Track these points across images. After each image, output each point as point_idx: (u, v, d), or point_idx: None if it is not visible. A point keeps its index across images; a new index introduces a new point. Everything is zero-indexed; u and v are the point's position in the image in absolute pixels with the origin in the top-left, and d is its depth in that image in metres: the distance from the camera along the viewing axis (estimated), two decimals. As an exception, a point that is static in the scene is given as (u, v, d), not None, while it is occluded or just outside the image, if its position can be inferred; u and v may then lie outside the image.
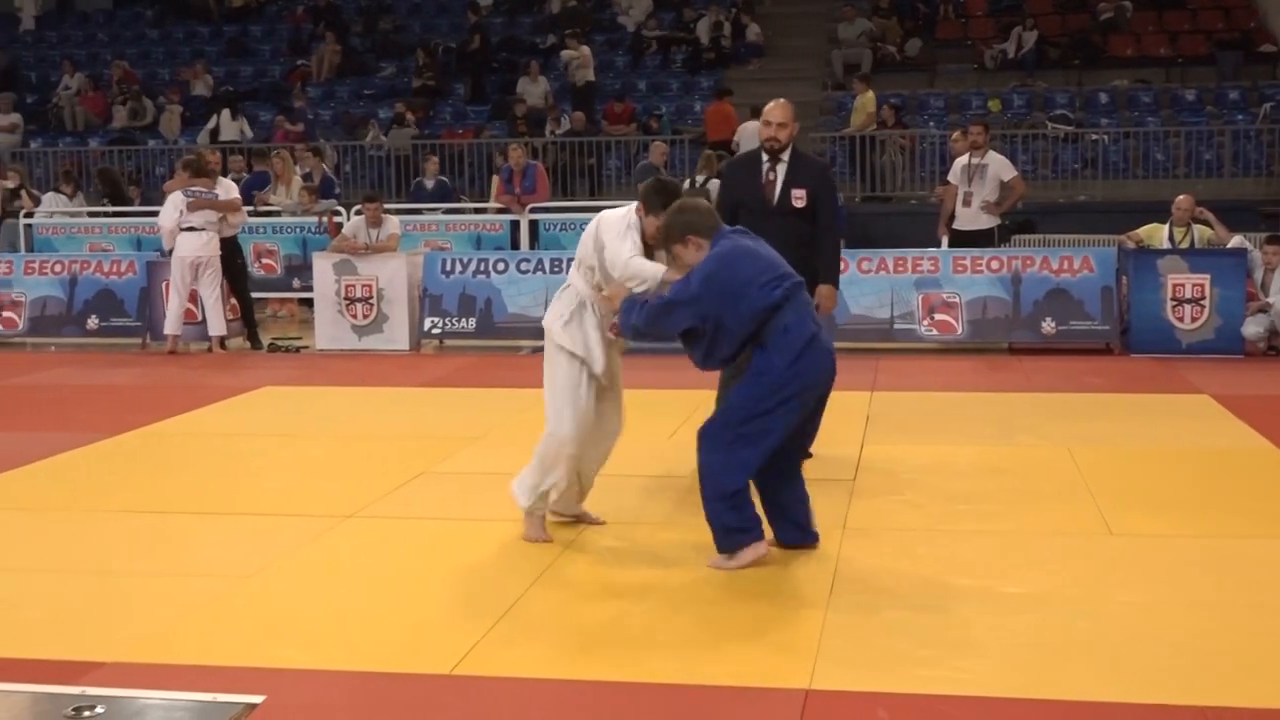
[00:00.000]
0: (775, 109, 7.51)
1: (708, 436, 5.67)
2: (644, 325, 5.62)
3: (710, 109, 20.87)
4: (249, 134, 21.51)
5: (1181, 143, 20.29)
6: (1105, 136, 20.71)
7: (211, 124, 21.64)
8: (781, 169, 7.40)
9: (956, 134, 14.98)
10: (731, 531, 5.61)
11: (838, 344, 7.03)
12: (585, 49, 22.33)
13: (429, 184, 17.47)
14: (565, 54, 22.41)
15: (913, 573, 5.66)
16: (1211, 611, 5.08)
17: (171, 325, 12.73)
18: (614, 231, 5.83)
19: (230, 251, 12.90)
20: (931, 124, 20.69)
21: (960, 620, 5.02)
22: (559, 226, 15.77)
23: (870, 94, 19.79)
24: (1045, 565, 5.69)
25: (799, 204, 7.36)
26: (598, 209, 16.18)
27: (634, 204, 5.94)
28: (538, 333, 12.61)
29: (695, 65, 23.65)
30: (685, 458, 7.77)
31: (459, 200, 18.22)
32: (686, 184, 16.24)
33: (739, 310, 5.50)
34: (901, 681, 4.39)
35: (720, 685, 4.41)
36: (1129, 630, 4.88)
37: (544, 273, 12.83)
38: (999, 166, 13.25)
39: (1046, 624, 4.95)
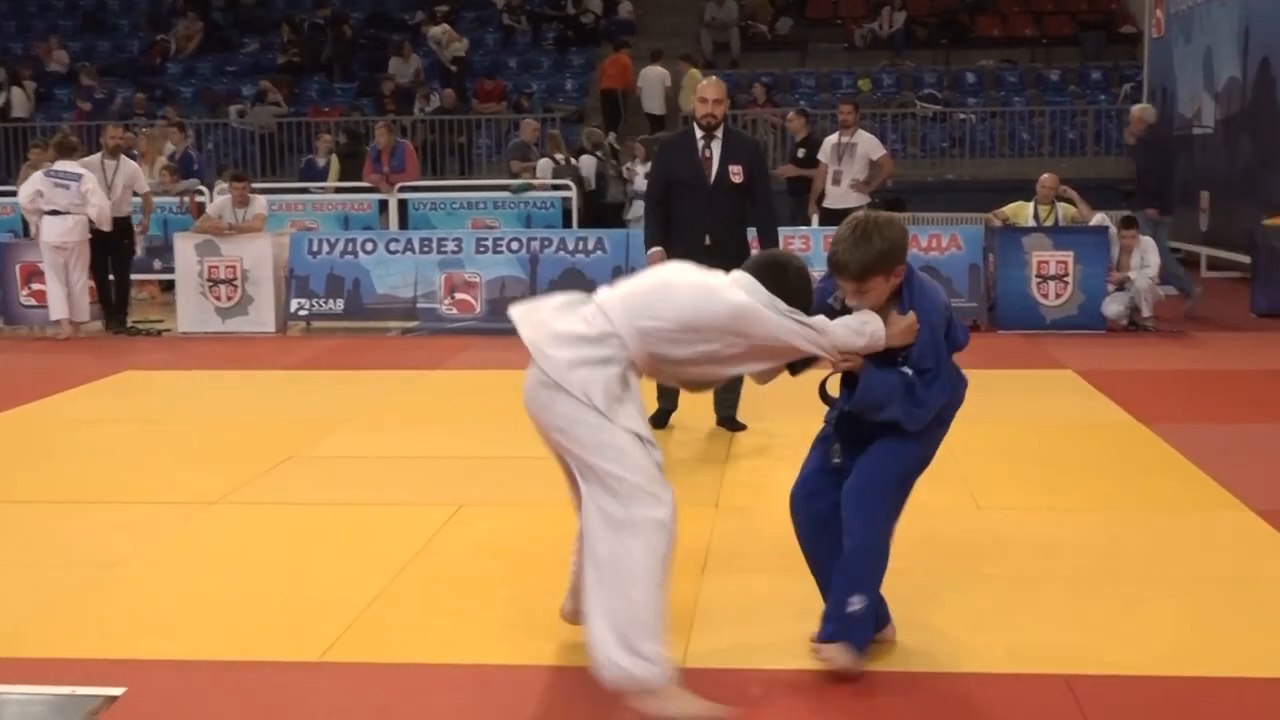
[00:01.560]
0: (711, 86, 7.59)
1: (874, 496, 4.35)
2: (912, 422, 4.28)
3: (609, 60, 20.80)
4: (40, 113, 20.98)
5: (1046, 122, 20.70)
6: (973, 116, 21.05)
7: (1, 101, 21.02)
8: (717, 146, 7.48)
9: (791, 114, 15.13)
10: (868, 625, 4.33)
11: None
12: (443, 27, 22.06)
13: (320, 162, 17.10)
14: (433, 31, 22.16)
15: (788, 549, 5.65)
16: (1076, 583, 5.16)
17: (57, 310, 12.25)
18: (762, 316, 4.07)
19: (120, 231, 12.54)
20: (802, 103, 20.82)
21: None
22: (429, 206, 15.59)
23: (695, 72, 19.26)
24: (913, 539, 5.71)
25: (737, 179, 7.45)
26: (468, 188, 16.01)
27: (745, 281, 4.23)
28: (407, 314, 12.67)
29: (567, 43, 23.55)
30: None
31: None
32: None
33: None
34: (776, 658, 4.39)
35: (587, 666, 4.36)
36: (996, 602, 4.94)
37: (413, 253, 12.67)
38: (868, 145, 13.39)
39: (917, 597, 4.98)
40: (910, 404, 4.21)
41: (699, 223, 7.40)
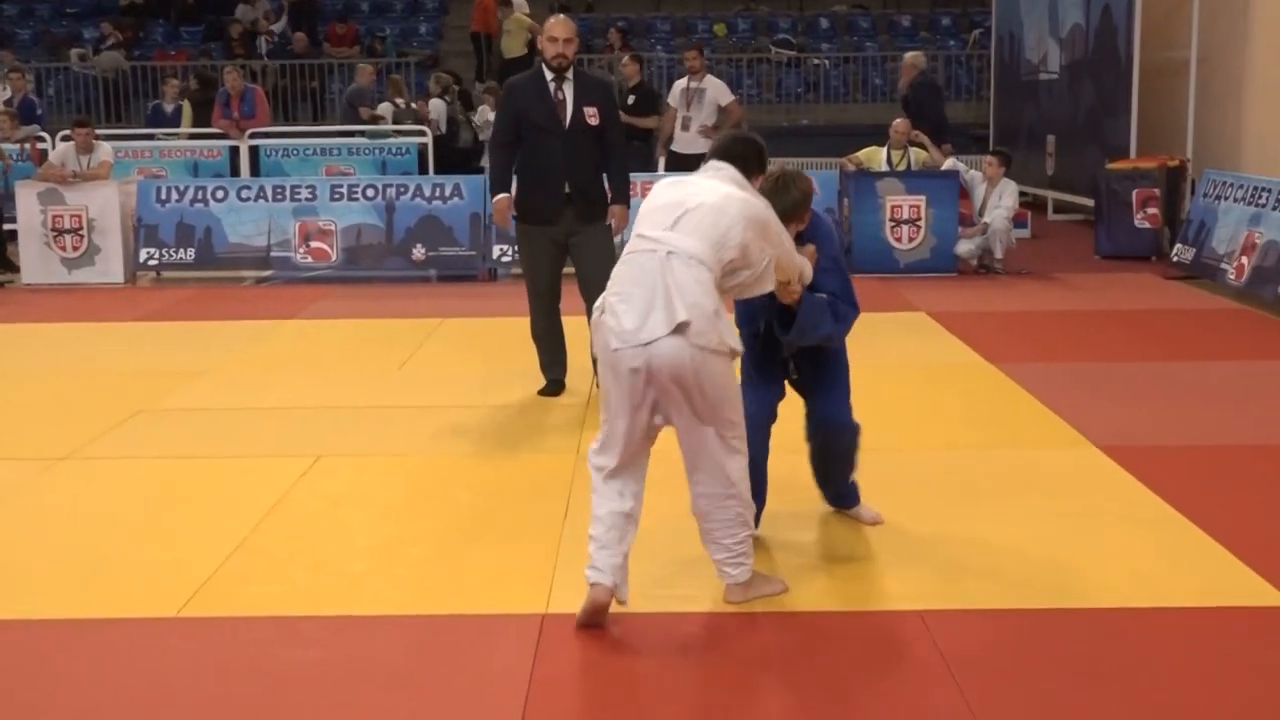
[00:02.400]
0: (560, 25, 7.24)
1: (841, 391, 5.18)
2: (840, 335, 5.06)
3: (476, 2, 20.44)
4: None
5: (898, 67, 20.92)
6: (826, 61, 21.22)
7: None
8: (569, 88, 7.18)
9: (626, 59, 15.09)
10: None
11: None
12: None
13: (169, 108, 16.61)
14: None
15: (648, 496, 5.69)
16: (931, 521, 5.27)
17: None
18: (772, 224, 4.42)
19: None
20: (659, 48, 20.82)
21: (693, 539, 5.07)
22: (280, 153, 15.27)
23: (517, 15, 18.88)
24: (777, 484, 5.79)
25: (593, 122, 7.17)
26: (321, 134, 15.67)
27: (731, 174, 4.49)
28: (261, 263, 12.45)
29: (420, -14, 23.22)
30: (416, 389, 7.70)
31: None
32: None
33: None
34: (635, 601, 4.41)
35: (458, 614, 4.37)
36: (859, 542, 5.04)
37: (266, 200, 12.41)
38: (716, 91, 13.42)
39: (781, 539, 5.06)
40: (836, 322, 4.90)
41: (556, 168, 7.11)
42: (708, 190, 4.36)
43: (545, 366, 7.44)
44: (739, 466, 4.37)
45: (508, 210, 7.30)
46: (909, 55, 14.67)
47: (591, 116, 7.17)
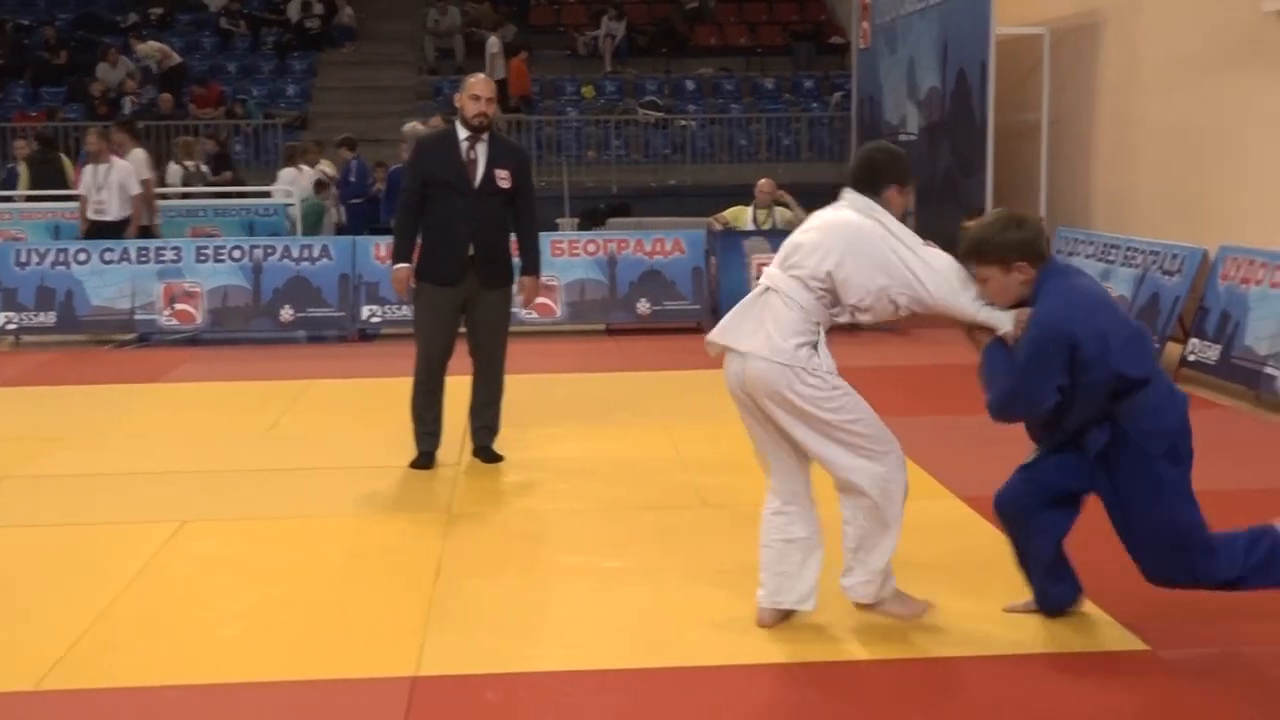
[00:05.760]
0: (483, 84, 7.04)
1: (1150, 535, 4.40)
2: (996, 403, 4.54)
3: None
4: None
5: (763, 128, 21.35)
6: (693, 122, 21.53)
7: None
8: (483, 148, 6.95)
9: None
10: None
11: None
12: (153, 44, 21.34)
13: (21, 170, 16.23)
14: (141, 48, 21.39)
15: (518, 552, 5.73)
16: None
17: None
18: (886, 254, 4.52)
19: None
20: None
21: (565, 597, 5.12)
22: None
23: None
24: (645, 539, 5.86)
25: (504, 184, 6.96)
26: (183, 195, 15.38)
27: (852, 199, 4.64)
28: (125, 326, 12.25)
29: (286, 47, 23.09)
30: (285, 452, 7.64)
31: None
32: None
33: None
34: (509, 661, 4.43)
35: (329, 679, 4.34)
36: (727, 596, 5.07)
37: (130, 262, 12.24)
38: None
39: (648, 595, 5.10)
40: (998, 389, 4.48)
41: (461, 229, 6.90)
42: (819, 224, 4.63)
43: (420, 438, 7.19)
44: (867, 471, 4.57)
45: (407, 282, 7.04)
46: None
47: (503, 179, 6.97)
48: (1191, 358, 9.69)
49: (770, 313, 4.60)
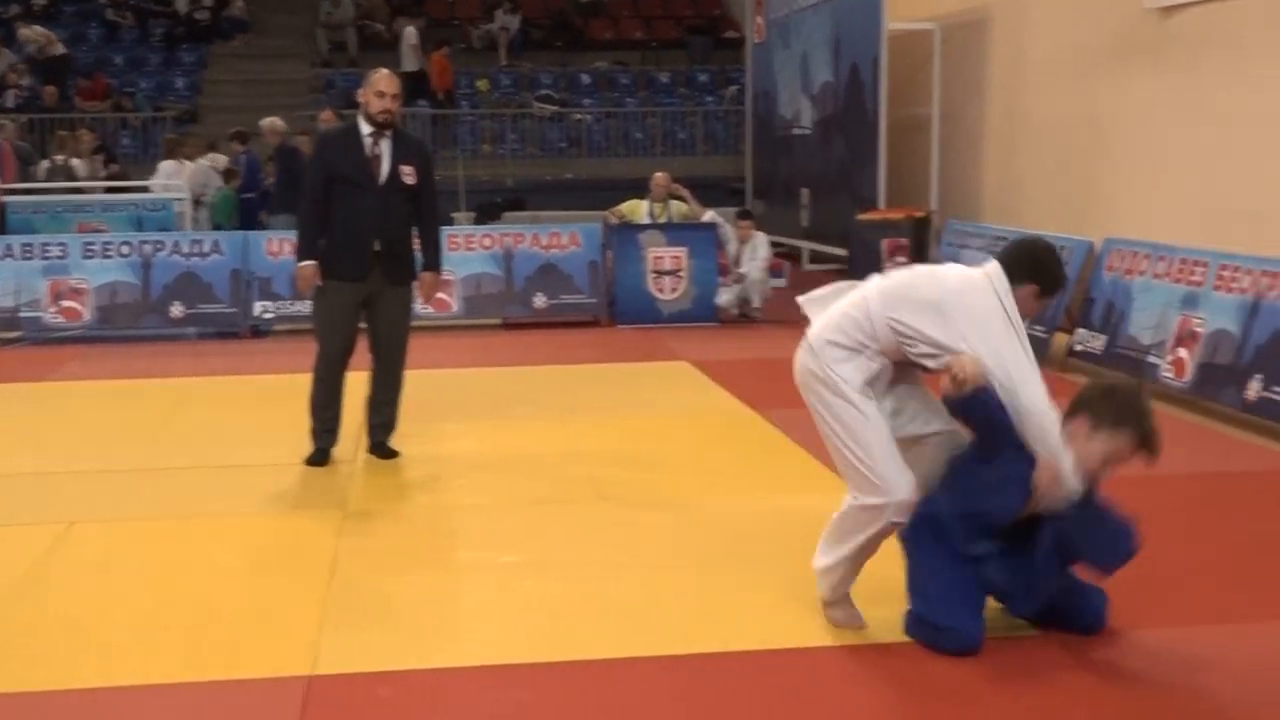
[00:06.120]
0: (387, 79, 6.96)
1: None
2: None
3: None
4: None
5: (658, 122, 21.42)
6: (589, 116, 21.54)
7: None
8: (386, 144, 6.90)
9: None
10: None
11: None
12: (36, 28, 20.89)
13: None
14: (25, 32, 20.92)
15: (415, 548, 5.71)
16: (700, 567, 5.38)
17: None
18: (1022, 358, 4.34)
19: None
20: (423, 102, 20.80)
21: (462, 592, 5.12)
22: (31, 210, 14.71)
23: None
24: (541, 533, 5.87)
25: (409, 181, 6.92)
26: (73, 190, 15.04)
27: (1000, 278, 4.46)
28: (8, 324, 11.96)
29: (175, 39, 22.72)
30: (176, 451, 7.53)
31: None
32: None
33: None
34: (405, 658, 4.41)
35: (218, 680, 4.29)
36: (625, 589, 5.10)
37: (14, 259, 11.94)
38: None
39: (546, 589, 5.11)
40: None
41: (366, 225, 6.85)
42: (952, 284, 4.46)
43: (317, 434, 7.13)
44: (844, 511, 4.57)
45: (313, 279, 6.94)
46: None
47: (408, 175, 6.93)
48: (1078, 348, 9.89)
49: (840, 304, 4.59)
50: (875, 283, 4.57)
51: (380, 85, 6.90)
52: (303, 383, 7.12)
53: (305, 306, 11.54)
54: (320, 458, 7.10)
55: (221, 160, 16.18)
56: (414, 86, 20.04)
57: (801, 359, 4.61)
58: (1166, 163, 10.26)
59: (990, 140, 13.63)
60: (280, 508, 6.39)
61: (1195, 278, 8.80)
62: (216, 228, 14.58)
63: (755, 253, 12.47)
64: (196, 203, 15.22)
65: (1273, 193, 8.96)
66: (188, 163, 15.64)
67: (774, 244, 13.74)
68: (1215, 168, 9.62)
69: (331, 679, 4.26)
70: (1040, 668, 4.31)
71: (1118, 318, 9.54)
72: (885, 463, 4.41)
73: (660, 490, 6.58)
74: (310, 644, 4.55)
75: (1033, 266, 4.50)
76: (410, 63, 20.76)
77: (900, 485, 4.40)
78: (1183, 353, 8.68)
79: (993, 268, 4.48)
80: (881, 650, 4.47)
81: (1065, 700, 4.06)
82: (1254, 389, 7.90)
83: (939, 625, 4.39)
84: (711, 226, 12.64)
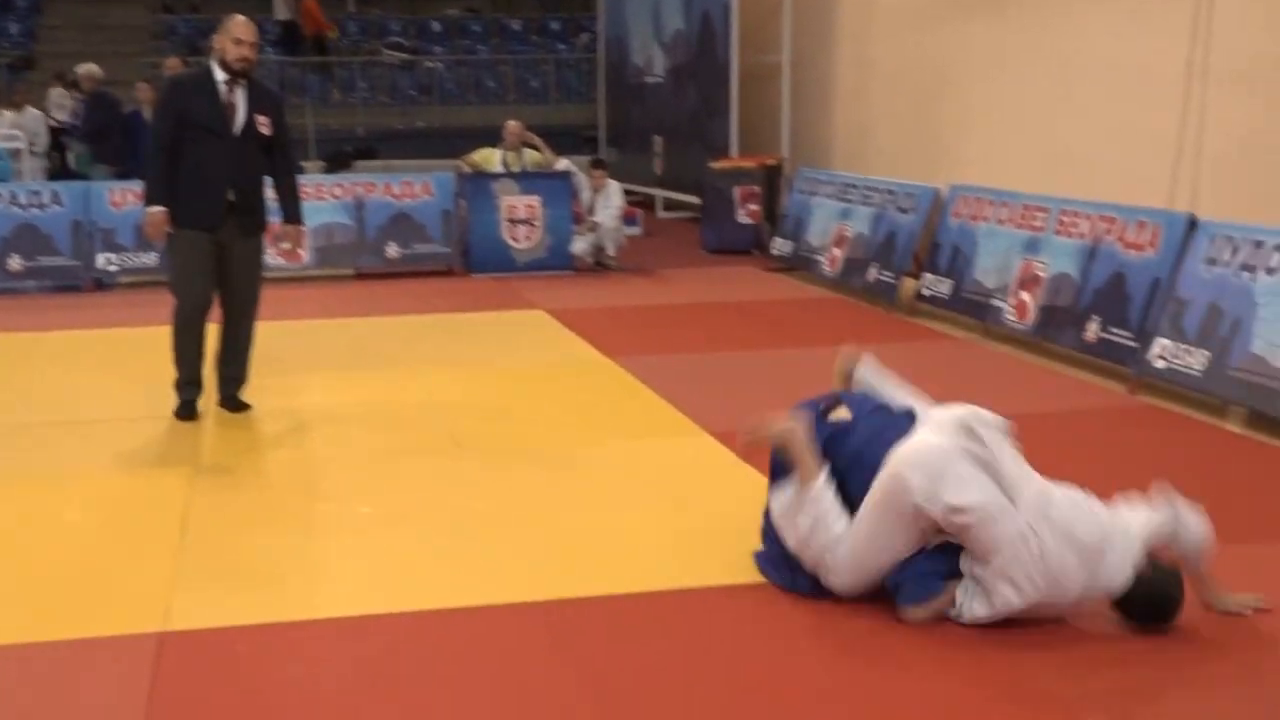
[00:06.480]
0: (244, 26, 6.76)
1: None
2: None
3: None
4: None
5: (510, 70, 21.27)
6: (440, 64, 21.30)
7: None
8: (241, 93, 6.75)
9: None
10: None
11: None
12: None
13: None
14: None
15: (269, 502, 5.65)
16: (556, 511, 5.42)
17: None
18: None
19: None
20: (269, 50, 20.35)
21: (319, 545, 5.08)
22: None
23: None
24: (399, 484, 5.85)
25: (265, 131, 6.81)
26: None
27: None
28: None
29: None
30: (17, 408, 7.33)
31: None
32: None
33: None
34: (260, 611, 4.38)
35: (67, 639, 4.21)
36: (482, 538, 5.11)
37: None
38: None
39: (403, 540, 5.10)
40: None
41: (220, 175, 6.72)
42: None
43: (182, 387, 6.97)
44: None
45: (164, 225, 6.75)
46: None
47: (264, 125, 6.82)
48: (926, 292, 10.10)
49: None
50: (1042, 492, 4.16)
51: (238, 32, 6.74)
52: (150, 336, 6.99)
53: (152, 259, 11.34)
54: (188, 411, 6.95)
55: (67, 103, 15.67)
56: (288, 35, 19.59)
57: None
58: (1010, 111, 10.50)
59: (840, 89, 13.80)
60: (130, 464, 6.26)
61: (1037, 223, 9.04)
62: (84, 178, 14.13)
63: (609, 201, 12.50)
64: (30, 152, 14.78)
65: (1110, 140, 9.23)
66: (31, 110, 15.15)
67: (627, 192, 13.78)
68: (1056, 115, 9.88)
69: (185, 635, 4.21)
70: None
71: (963, 262, 9.76)
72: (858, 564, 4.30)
73: (518, 439, 6.59)
74: (162, 601, 4.48)
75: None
76: (283, 11, 20.30)
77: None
78: (1025, 296, 8.92)
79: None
80: (731, 591, 4.55)
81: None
82: (1092, 330, 8.16)
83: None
84: (565, 175, 12.61)
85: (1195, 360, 7.21)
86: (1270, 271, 6.93)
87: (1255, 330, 6.89)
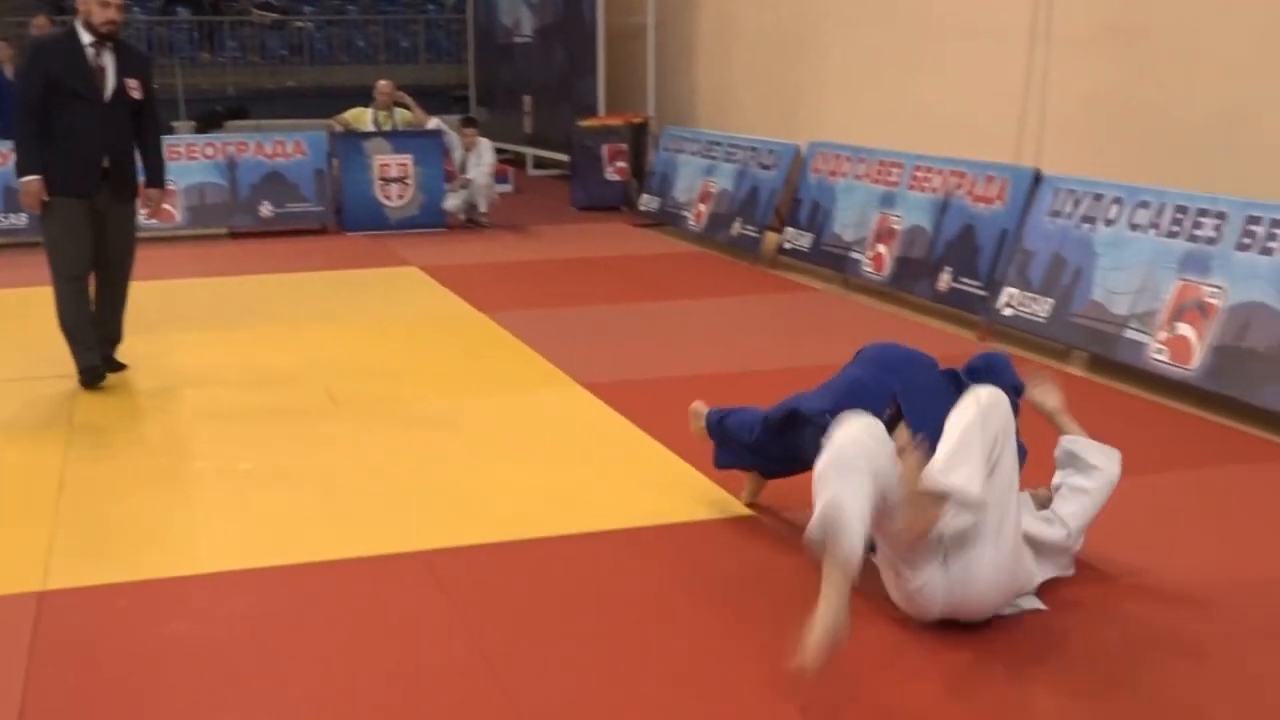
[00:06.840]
0: None
1: None
2: None
3: None
4: None
5: (381, 30, 21.15)
6: (310, 24, 21.11)
7: None
8: (110, 56, 6.68)
9: (40, 19, 14.57)
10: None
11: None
12: None
13: None
14: None
15: (147, 462, 5.70)
16: (433, 464, 5.57)
17: None
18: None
19: None
20: (136, 9, 19.99)
21: (198, 502, 5.16)
22: None
23: None
24: (277, 442, 5.95)
25: (136, 95, 6.76)
26: None
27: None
28: None
29: None
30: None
31: None
32: None
33: None
34: (141, 569, 4.44)
35: (-48, 598, 4.27)
36: (355, 492, 5.24)
37: None
38: None
39: (283, 495, 5.20)
40: None
41: (94, 140, 6.67)
42: None
43: (80, 354, 6.90)
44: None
45: (41, 194, 6.68)
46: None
47: (134, 89, 6.78)
48: (788, 246, 10.40)
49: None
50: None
51: None
52: (19, 298, 6.98)
53: (22, 220, 11.21)
54: (94, 375, 6.90)
55: None
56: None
57: None
58: (866, 71, 10.81)
59: (703, 48, 14.01)
60: (1, 427, 6.29)
61: (892, 178, 9.37)
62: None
63: (480, 159, 12.63)
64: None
65: (961, 98, 9.57)
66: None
67: (498, 150, 13.90)
68: (909, 75, 10.19)
69: (65, 593, 4.26)
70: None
71: (823, 217, 10.07)
72: None
73: (394, 395, 6.71)
74: (40, 562, 4.52)
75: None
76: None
77: None
78: (881, 248, 9.26)
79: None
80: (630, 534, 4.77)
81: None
82: (944, 280, 8.52)
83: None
84: (437, 134, 12.70)
85: (1040, 308, 7.59)
86: (1109, 223, 7.32)
87: (1095, 279, 7.28)
